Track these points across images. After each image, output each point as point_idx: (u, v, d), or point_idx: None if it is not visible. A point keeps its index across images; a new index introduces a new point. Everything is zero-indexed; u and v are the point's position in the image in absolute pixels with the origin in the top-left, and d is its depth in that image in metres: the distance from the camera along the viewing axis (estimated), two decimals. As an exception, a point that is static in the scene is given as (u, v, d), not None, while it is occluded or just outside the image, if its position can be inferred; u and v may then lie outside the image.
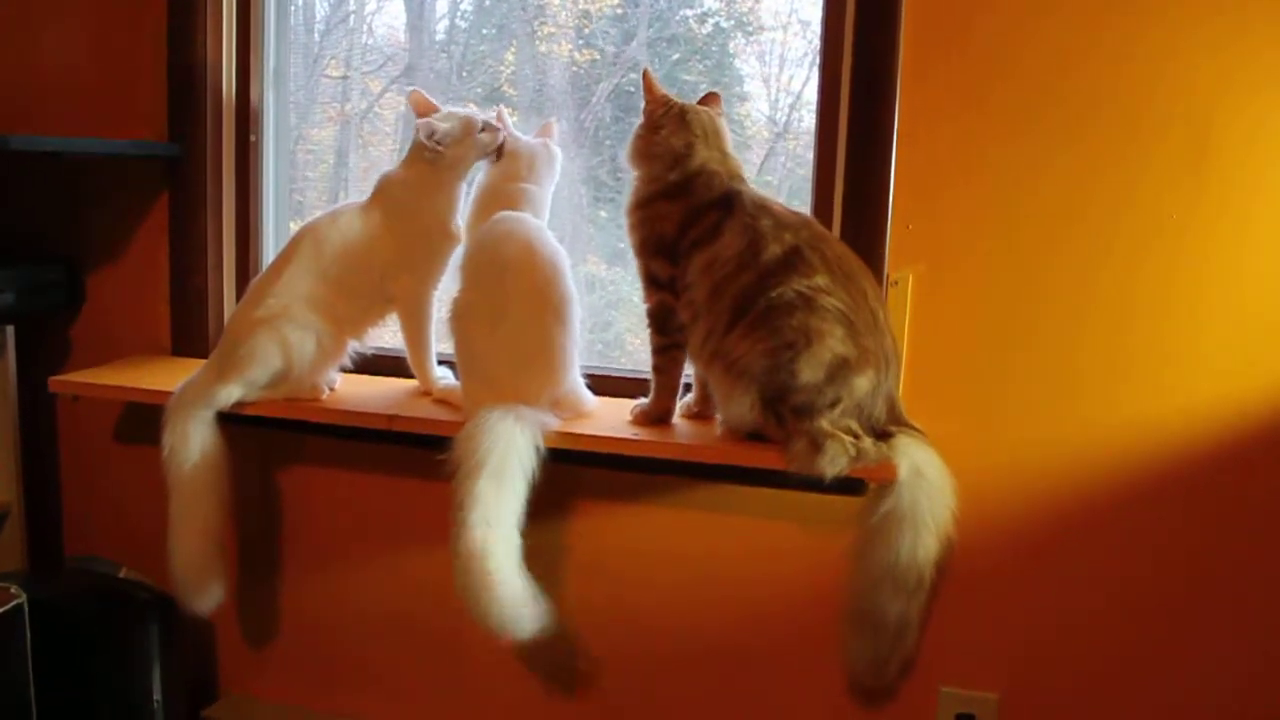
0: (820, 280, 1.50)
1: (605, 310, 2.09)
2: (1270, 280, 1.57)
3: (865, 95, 1.68)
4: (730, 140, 1.68)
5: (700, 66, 2.01)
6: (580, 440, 1.60)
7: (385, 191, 1.78)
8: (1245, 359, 1.59)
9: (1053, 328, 1.65)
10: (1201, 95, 1.56)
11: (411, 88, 1.85)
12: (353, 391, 1.82)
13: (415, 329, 1.79)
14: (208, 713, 2.06)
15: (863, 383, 1.50)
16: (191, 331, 2.04)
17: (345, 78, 2.24)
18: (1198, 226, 1.58)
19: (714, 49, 2.04)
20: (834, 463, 1.47)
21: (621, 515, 1.86)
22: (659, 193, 1.62)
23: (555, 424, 1.60)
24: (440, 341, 1.79)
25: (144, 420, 1.90)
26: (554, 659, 1.90)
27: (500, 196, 1.74)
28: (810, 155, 1.79)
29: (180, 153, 1.99)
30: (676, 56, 2.00)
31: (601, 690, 1.92)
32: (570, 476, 1.80)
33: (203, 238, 2.02)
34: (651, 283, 1.64)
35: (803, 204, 1.80)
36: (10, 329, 2.00)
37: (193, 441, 1.69)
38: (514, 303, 1.61)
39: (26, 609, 1.70)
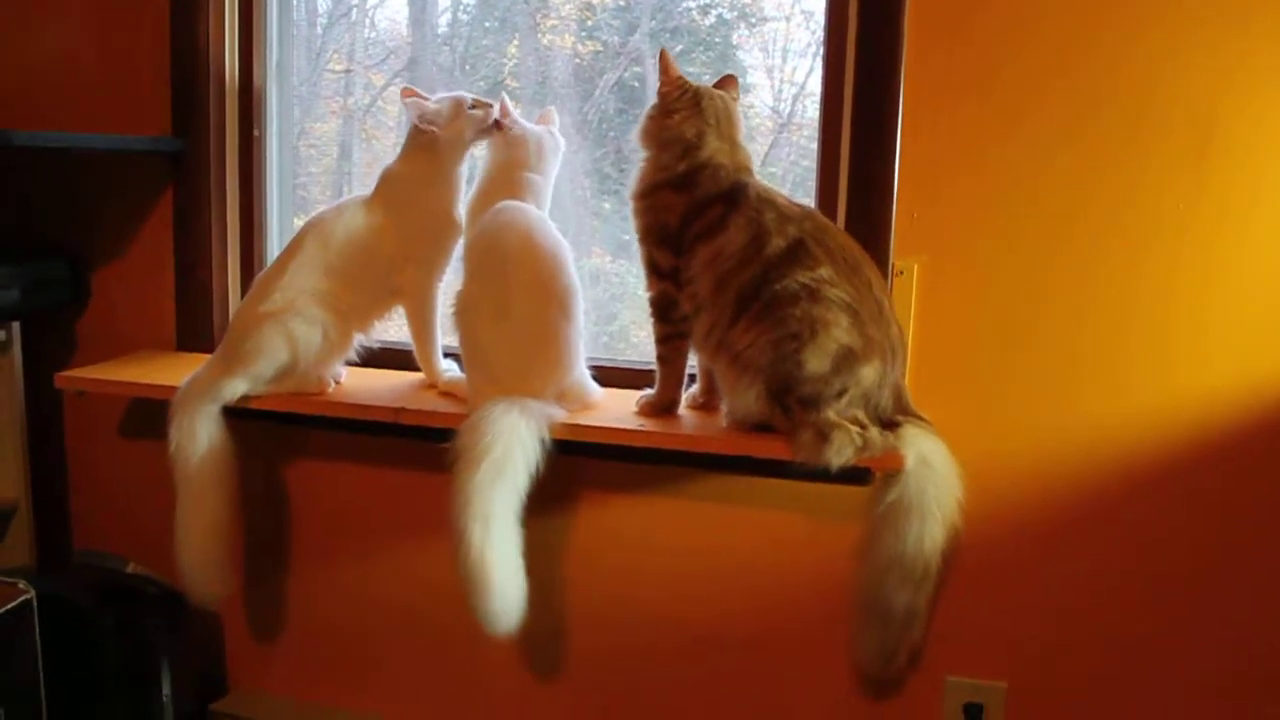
0: (824, 272, 1.50)
1: (610, 303, 2.09)
2: (1273, 256, 1.57)
3: (869, 86, 1.67)
4: (742, 126, 1.65)
5: (703, 58, 2.01)
6: (586, 432, 1.60)
7: (386, 185, 1.79)
8: (1247, 349, 1.59)
9: (1057, 316, 1.65)
10: (1205, 87, 1.56)
11: (408, 83, 1.85)
12: (359, 385, 1.82)
13: (421, 322, 1.80)
14: (216, 707, 2.07)
15: (869, 373, 1.50)
16: (197, 326, 2.04)
17: (348, 72, 2.24)
18: (1201, 216, 1.58)
19: (717, 40, 2.04)
20: (840, 453, 1.47)
21: (628, 506, 1.86)
22: (665, 182, 1.61)
23: (561, 416, 1.60)
24: (446, 334, 1.79)
25: (150, 415, 1.91)
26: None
27: (504, 184, 1.73)
28: (814, 146, 1.79)
29: (184, 148, 1.99)
30: (680, 48, 2.00)
31: (606, 682, 1.92)
32: (576, 468, 1.80)
33: (207, 233, 2.02)
34: (654, 271, 1.63)
35: (807, 195, 1.80)
36: (16, 325, 2.00)
37: (199, 436, 1.69)
38: (517, 296, 1.61)
39: (35, 604, 1.70)
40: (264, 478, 2.04)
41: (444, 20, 2.22)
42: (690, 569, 1.84)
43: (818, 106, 1.78)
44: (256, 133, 2.04)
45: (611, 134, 2.03)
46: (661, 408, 1.66)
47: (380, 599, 2.02)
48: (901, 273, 1.69)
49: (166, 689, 1.87)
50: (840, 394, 1.49)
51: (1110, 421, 1.65)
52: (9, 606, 1.67)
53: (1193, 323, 1.60)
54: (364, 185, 1.88)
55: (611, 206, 2.05)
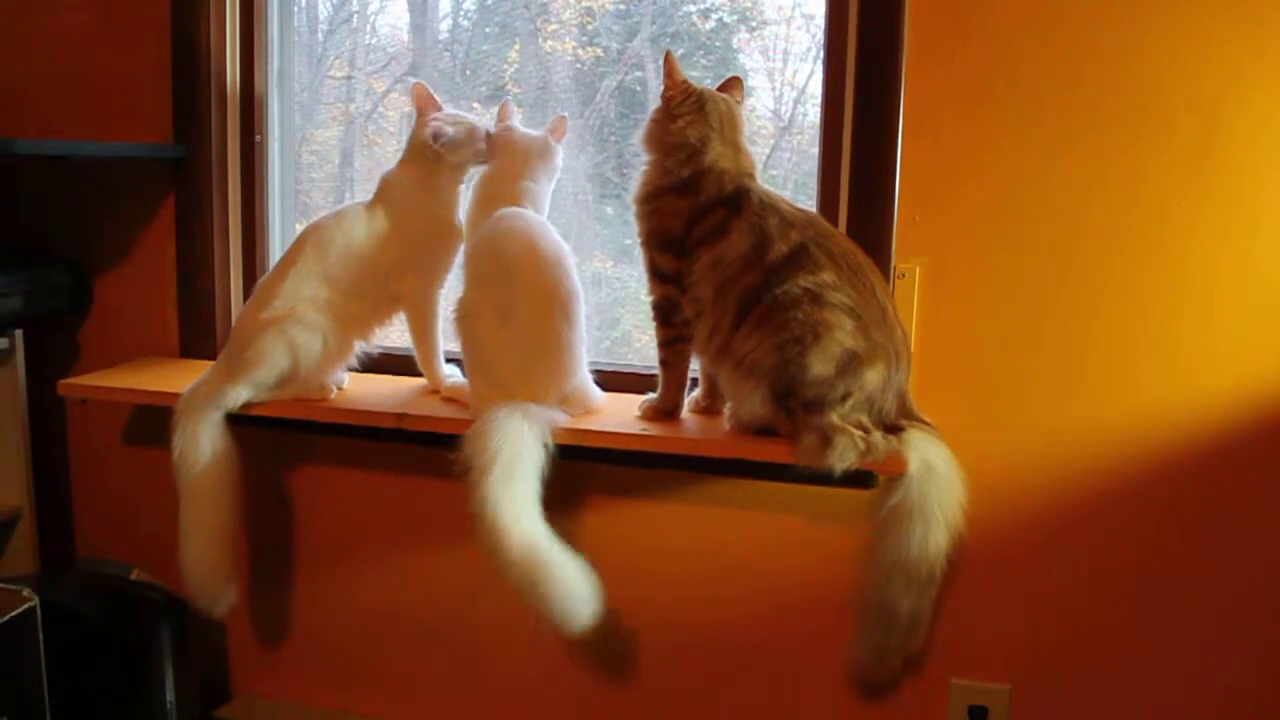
0: (827, 276, 1.50)
1: (613, 307, 2.09)
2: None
3: (870, 88, 1.67)
4: (746, 130, 1.65)
5: (704, 62, 2.01)
6: (589, 436, 1.61)
7: (386, 191, 1.79)
8: (1255, 349, 1.58)
9: (1061, 319, 1.65)
10: (1207, 87, 1.56)
11: (415, 80, 1.84)
12: (361, 391, 1.83)
13: (422, 327, 1.80)
14: (220, 713, 2.07)
15: (873, 376, 1.50)
16: (199, 332, 2.05)
17: (349, 78, 2.24)
18: (1205, 218, 1.58)
19: (718, 44, 2.04)
20: (843, 457, 1.47)
21: (631, 510, 1.86)
22: (668, 187, 1.61)
23: (564, 420, 1.60)
24: (448, 340, 1.79)
25: (153, 422, 1.91)
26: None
27: (500, 193, 1.74)
28: (815, 150, 1.79)
29: (186, 154, 1.99)
30: (680, 52, 1.99)
31: (611, 685, 1.92)
32: (580, 472, 1.80)
33: (209, 239, 2.02)
34: (656, 275, 1.63)
35: (808, 199, 1.80)
36: (19, 333, 2.00)
37: (202, 443, 1.69)
38: (519, 301, 1.61)
39: (39, 611, 1.70)
40: (267, 484, 2.04)
41: (445, 26, 2.22)
42: (694, 572, 1.84)
43: (819, 110, 1.78)
44: (258, 139, 2.04)
45: (613, 139, 2.03)
46: (664, 412, 1.66)
47: (384, 605, 2.02)
48: (903, 275, 1.69)
49: (170, 696, 1.86)
50: (844, 398, 1.49)
51: (1114, 423, 1.65)
52: (12, 614, 1.66)
53: (1198, 324, 1.60)
54: (366, 191, 1.88)
55: (613, 211, 2.05)
